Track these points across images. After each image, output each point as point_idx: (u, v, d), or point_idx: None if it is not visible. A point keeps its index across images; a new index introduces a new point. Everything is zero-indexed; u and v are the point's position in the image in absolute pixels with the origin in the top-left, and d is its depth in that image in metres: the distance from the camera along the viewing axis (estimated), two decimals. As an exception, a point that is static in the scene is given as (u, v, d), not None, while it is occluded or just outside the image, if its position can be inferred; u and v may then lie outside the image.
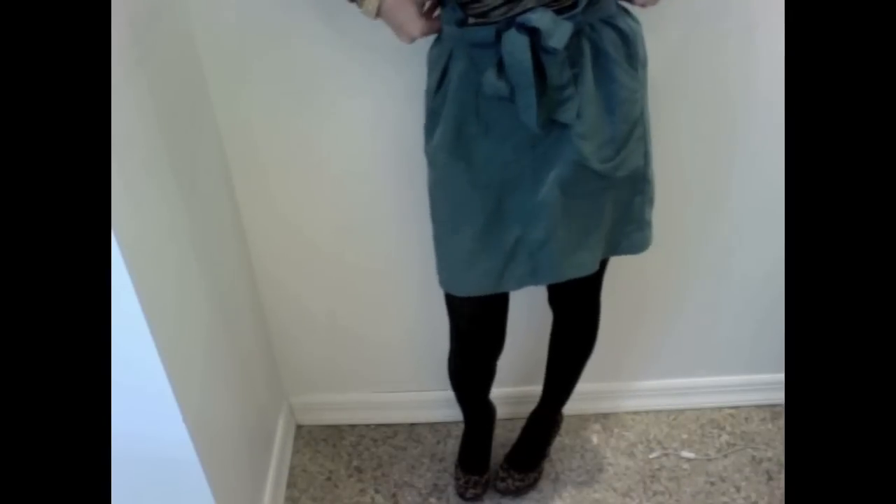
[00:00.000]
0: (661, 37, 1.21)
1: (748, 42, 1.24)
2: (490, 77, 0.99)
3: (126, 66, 0.91)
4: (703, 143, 1.36)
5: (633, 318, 1.60)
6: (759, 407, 1.73)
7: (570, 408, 1.71)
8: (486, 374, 1.45)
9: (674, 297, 1.57)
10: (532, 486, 1.58)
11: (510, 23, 0.97)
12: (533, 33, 0.96)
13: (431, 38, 1.08)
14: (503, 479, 1.57)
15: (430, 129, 1.10)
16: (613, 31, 1.03)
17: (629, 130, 1.08)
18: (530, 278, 1.17)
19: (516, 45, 0.96)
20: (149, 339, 0.92)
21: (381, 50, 1.19)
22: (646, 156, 1.13)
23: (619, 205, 1.16)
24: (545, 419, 1.59)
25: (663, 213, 1.45)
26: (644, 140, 1.12)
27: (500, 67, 0.99)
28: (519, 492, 1.57)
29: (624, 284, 1.54)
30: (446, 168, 1.10)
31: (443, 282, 1.21)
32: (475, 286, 1.18)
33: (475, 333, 1.34)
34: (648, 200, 1.19)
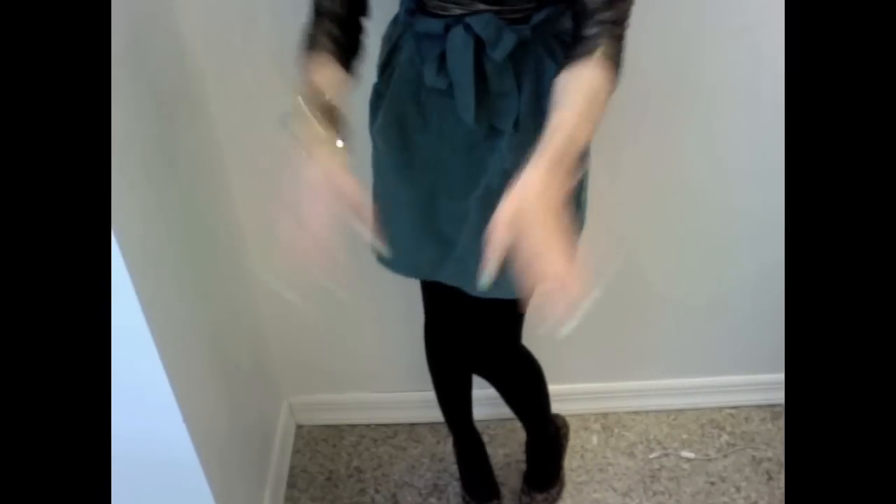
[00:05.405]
0: (662, 34, 1.21)
1: (749, 41, 1.24)
2: (431, 69, 0.97)
3: (126, 67, 0.91)
4: (703, 142, 1.36)
5: (632, 317, 1.60)
6: (759, 407, 1.73)
7: (571, 408, 1.71)
8: (455, 378, 1.43)
9: (674, 297, 1.57)
10: (556, 498, 1.55)
11: (460, 20, 0.95)
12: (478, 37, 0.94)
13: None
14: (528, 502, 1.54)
15: (374, 110, 1.07)
16: (563, 46, 0.97)
17: None
18: (459, 280, 1.12)
19: (458, 43, 0.94)
20: (149, 340, 0.93)
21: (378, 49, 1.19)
22: None
23: None
24: (538, 441, 1.54)
25: (663, 213, 1.46)
26: None
27: (442, 61, 0.97)
28: None
29: (623, 284, 1.54)
30: (384, 156, 1.08)
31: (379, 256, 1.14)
32: (409, 269, 1.18)
33: (432, 326, 1.36)
34: None
